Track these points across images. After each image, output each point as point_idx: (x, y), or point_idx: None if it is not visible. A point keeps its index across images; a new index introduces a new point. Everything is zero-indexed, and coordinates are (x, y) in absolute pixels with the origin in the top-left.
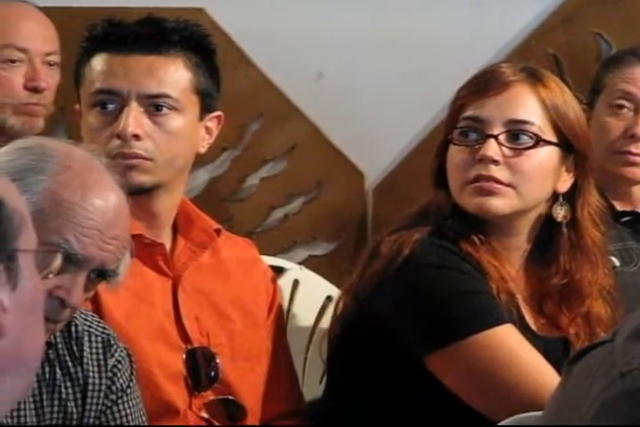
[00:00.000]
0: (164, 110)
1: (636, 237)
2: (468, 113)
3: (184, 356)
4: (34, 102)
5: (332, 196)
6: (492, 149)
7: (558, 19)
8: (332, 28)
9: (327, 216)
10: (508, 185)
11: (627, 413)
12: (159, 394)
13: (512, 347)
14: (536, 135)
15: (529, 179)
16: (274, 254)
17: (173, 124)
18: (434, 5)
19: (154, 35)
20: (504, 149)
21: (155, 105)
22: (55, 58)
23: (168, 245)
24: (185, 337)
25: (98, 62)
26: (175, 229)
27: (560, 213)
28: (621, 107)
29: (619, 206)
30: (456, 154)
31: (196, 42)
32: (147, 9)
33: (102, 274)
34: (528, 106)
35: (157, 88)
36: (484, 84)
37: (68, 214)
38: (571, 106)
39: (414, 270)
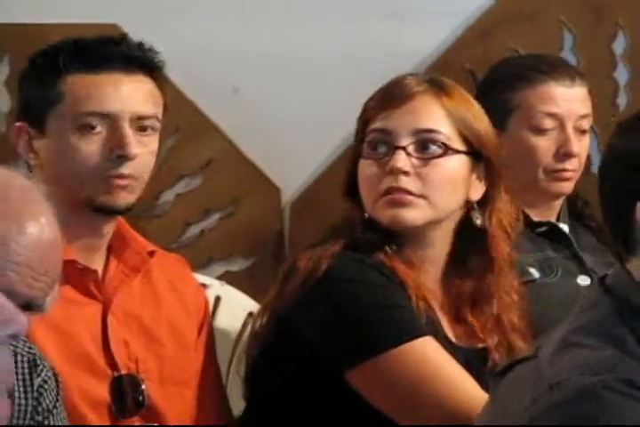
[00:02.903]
0: (149, 131)
1: (553, 246)
2: (375, 125)
3: (110, 382)
4: None
5: (248, 211)
6: (401, 160)
7: (475, 33)
8: (247, 42)
9: (244, 232)
10: (420, 196)
11: (556, 425)
12: (80, 421)
13: (433, 359)
14: (444, 144)
15: (440, 188)
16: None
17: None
18: (351, 18)
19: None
20: (413, 159)
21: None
22: None
23: (100, 268)
24: (112, 363)
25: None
26: (108, 249)
27: (479, 217)
28: (546, 128)
29: (534, 217)
30: (366, 167)
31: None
32: (61, 25)
33: (28, 307)
34: (434, 115)
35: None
36: (389, 96)
37: (0, 250)
38: (476, 114)
39: (332, 286)
